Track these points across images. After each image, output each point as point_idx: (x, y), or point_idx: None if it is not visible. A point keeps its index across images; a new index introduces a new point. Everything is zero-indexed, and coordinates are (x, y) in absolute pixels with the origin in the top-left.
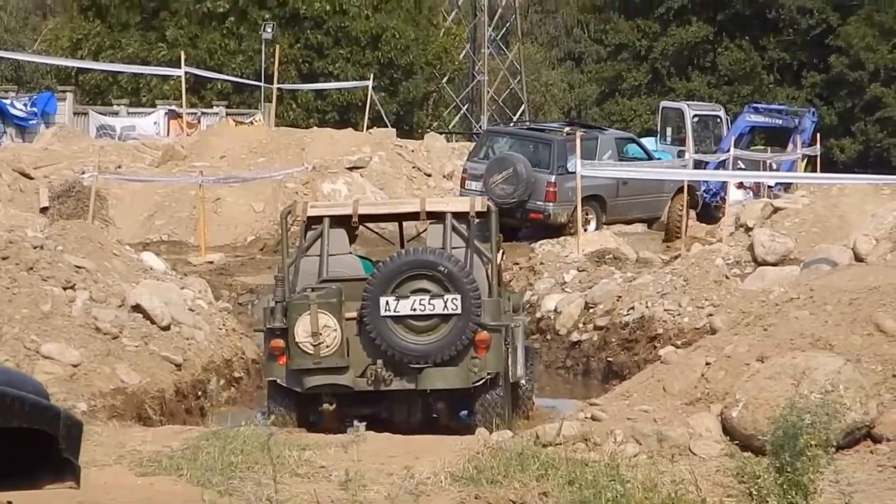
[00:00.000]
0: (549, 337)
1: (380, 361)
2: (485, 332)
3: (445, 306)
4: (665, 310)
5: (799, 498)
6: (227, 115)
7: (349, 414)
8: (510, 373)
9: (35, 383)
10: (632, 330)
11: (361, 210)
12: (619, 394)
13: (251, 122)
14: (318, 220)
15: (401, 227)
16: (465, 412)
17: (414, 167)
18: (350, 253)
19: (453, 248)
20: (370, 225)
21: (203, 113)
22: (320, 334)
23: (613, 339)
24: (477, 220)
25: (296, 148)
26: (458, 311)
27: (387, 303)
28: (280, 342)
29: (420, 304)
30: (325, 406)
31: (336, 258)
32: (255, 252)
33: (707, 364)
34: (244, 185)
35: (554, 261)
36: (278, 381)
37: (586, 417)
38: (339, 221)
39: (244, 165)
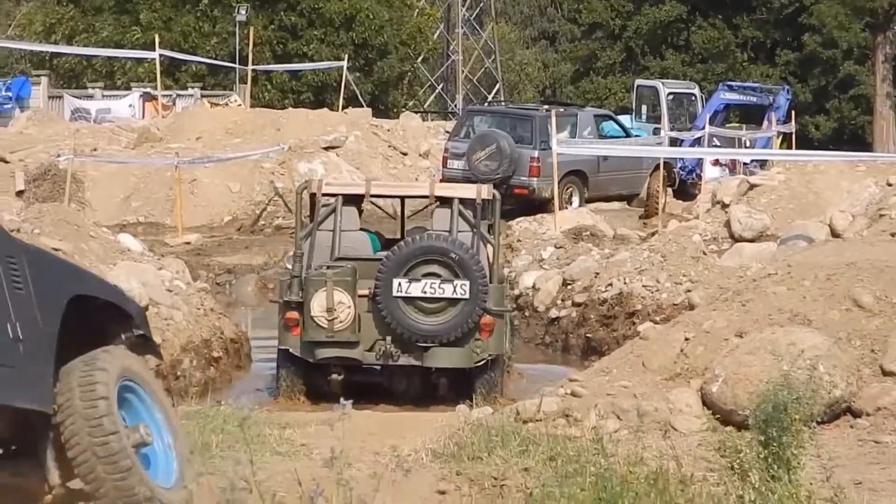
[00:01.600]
0: (527, 313)
1: (389, 338)
2: (489, 316)
3: (455, 291)
4: (643, 286)
5: (782, 472)
6: (203, 97)
7: (354, 383)
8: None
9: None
10: (610, 306)
11: (374, 190)
12: (598, 370)
13: (226, 104)
14: (331, 196)
15: (403, 205)
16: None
17: (390, 146)
18: (360, 229)
19: (459, 231)
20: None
21: (178, 95)
22: (335, 310)
23: (592, 316)
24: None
25: (271, 129)
26: (467, 296)
27: (399, 284)
28: (295, 314)
29: (431, 287)
30: (333, 376)
31: (348, 234)
32: (231, 232)
33: (686, 339)
34: (220, 165)
35: (531, 238)
36: (290, 350)
37: (566, 393)
38: (352, 200)
39: (220, 146)
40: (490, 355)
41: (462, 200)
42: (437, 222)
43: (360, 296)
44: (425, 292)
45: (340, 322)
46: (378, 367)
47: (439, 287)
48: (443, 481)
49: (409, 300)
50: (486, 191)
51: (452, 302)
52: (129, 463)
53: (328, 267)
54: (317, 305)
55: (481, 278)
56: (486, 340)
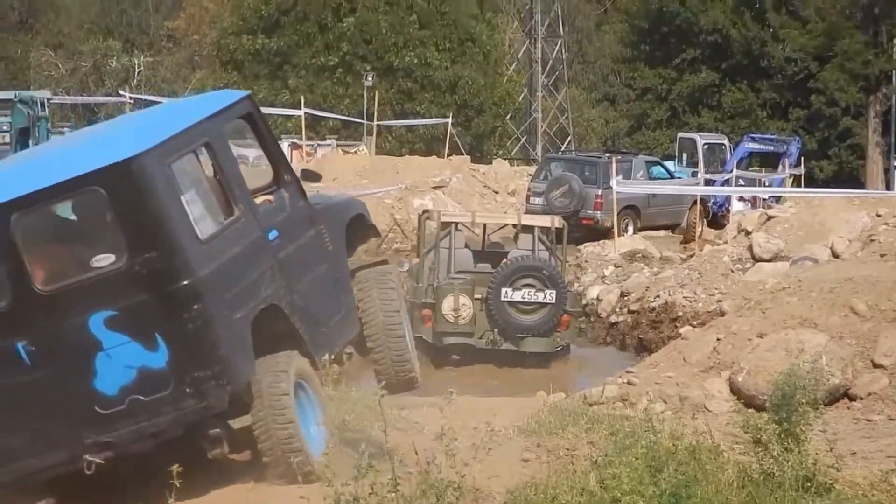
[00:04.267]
0: (592, 319)
1: (496, 330)
2: (567, 315)
3: (545, 297)
4: (684, 297)
5: (793, 444)
6: (337, 146)
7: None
8: None
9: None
10: (658, 313)
11: (478, 219)
12: (648, 363)
13: (356, 152)
14: (447, 224)
15: (484, 230)
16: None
17: (485, 186)
18: (466, 247)
19: (539, 250)
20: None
21: (318, 144)
22: (459, 310)
23: (643, 321)
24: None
25: (391, 172)
26: (553, 301)
27: (505, 292)
28: (429, 311)
29: (528, 294)
30: (454, 356)
31: (458, 251)
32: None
33: (718, 339)
34: None
35: (596, 259)
36: (423, 337)
37: (623, 382)
38: (461, 226)
39: (351, 185)
40: (566, 343)
41: (541, 228)
42: (521, 243)
43: (475, 299)
44: (524, 298)
45: (463, 318)
46: (487, 352)
47: (534, 294)
48: (526, 451)
49: (511, 303)
50: (557, 221)
51: (542, 305)
52: (409, 353)
53: (452, 278)
54: (447, 306)
55: (563, 288)
56: (564, 332)
